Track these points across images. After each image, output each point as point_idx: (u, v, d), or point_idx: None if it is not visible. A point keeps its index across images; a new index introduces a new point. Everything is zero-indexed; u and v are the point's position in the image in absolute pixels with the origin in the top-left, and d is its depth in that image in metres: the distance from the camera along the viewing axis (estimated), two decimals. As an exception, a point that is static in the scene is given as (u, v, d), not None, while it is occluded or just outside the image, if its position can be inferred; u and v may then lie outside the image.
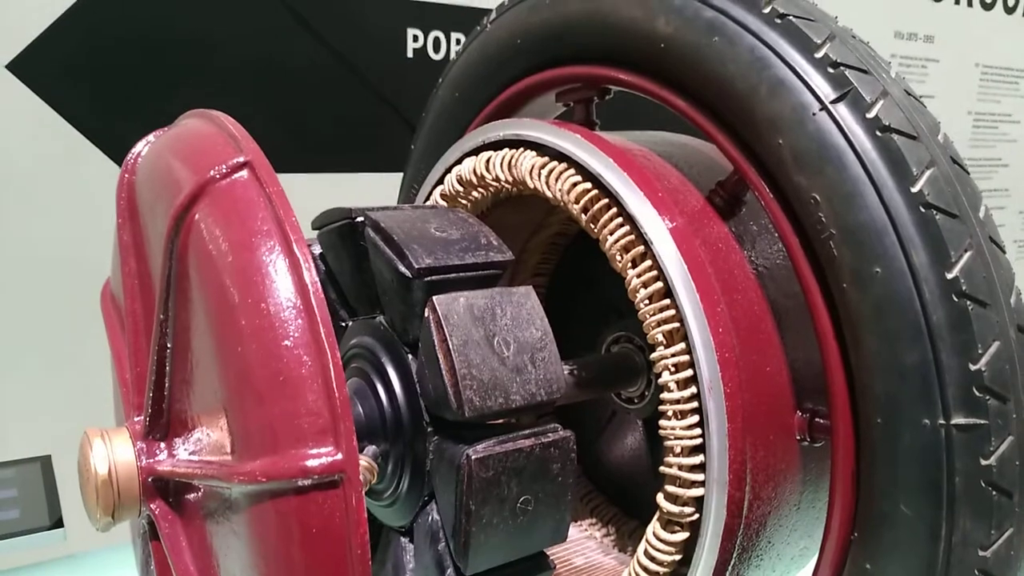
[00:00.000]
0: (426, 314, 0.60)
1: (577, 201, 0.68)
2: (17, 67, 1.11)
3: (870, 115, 0.56)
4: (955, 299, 0.52)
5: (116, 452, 0.58)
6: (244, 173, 0.50)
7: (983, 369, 0.51)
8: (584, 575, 0.84)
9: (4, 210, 1.13)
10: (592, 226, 0.68)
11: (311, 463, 0.43)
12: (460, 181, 0.81)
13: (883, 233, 0.53)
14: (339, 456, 0.44)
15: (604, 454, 0.99)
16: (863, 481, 0.57)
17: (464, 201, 0.81)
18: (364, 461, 0.64)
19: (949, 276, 0.52)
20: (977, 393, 0.51)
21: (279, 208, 0.48)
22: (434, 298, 0.60)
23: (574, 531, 0.93)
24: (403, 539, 0.67)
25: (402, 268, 0.62)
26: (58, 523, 1.30)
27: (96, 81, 1.16)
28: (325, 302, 0.47)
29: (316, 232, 0.73)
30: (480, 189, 0.80)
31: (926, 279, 0.52)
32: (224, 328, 0.47)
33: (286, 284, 0.46)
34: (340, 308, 0.75)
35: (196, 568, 0.56)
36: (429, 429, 0.62)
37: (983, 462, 0.51)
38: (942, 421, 0.52)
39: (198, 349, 0.52)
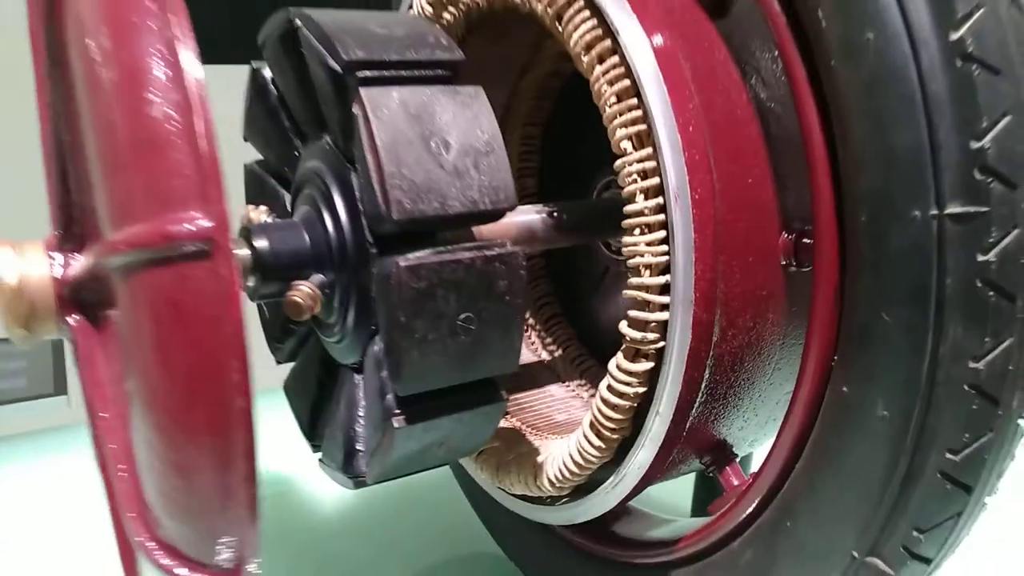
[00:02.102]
0: (354, 111, 0.54)
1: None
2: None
3: None
4: (959, 64, 0.43)
5: (28, 263, 0.53)
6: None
7: (987, 147, 0.43)
8: (562, 429, 0.79)
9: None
10: (557, 25, 0.60)
11: (174, 228, 0.38)
12: (430, 1, 0.73)
13: (877, -8, 0.44)
14: (206, 223, 0.38)
15: (598, 316, 0.93)
16: (846, 295, 0.50)
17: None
18: (306, 287, 0.59)
19: (953, 37, 0.43)
20: (978, 176, 0.43)
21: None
22: (362, 90, 0.53)
23: (560, 390, 0.88)
24: (356, 376, 0.63)
25: (331, 62, 0.55)
26: (62, 391, 1.31)
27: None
28: (197, 56, 0.40)
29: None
30: (451, 7, 0.72)
31: (925, 42, 0.43)
32: (92, 90, 0.42)
33: (152, 35, 0.40)
34: (294, 136, 0.69)
35: (107, 377, 0.52)
36: (373, 251, 0.57)
37: (980, 258, 0.43)
38: (934, 212, 0.44)
39: (85, 130, 0.47)
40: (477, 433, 0.61)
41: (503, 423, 0.82)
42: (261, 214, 0.68)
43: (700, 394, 0.58)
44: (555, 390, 0.88)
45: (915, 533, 0.49)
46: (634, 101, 0.55)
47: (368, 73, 0.55)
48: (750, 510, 0.61)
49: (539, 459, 0.71)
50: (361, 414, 0.62)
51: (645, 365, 0.58)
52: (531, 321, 0.94)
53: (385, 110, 0.53)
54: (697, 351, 0.55)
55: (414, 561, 0.98)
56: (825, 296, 0.51)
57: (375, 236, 0.56)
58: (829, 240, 0.50)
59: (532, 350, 0.93)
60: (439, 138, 0.54)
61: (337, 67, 0.55)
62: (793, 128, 0.54)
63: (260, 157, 0.74)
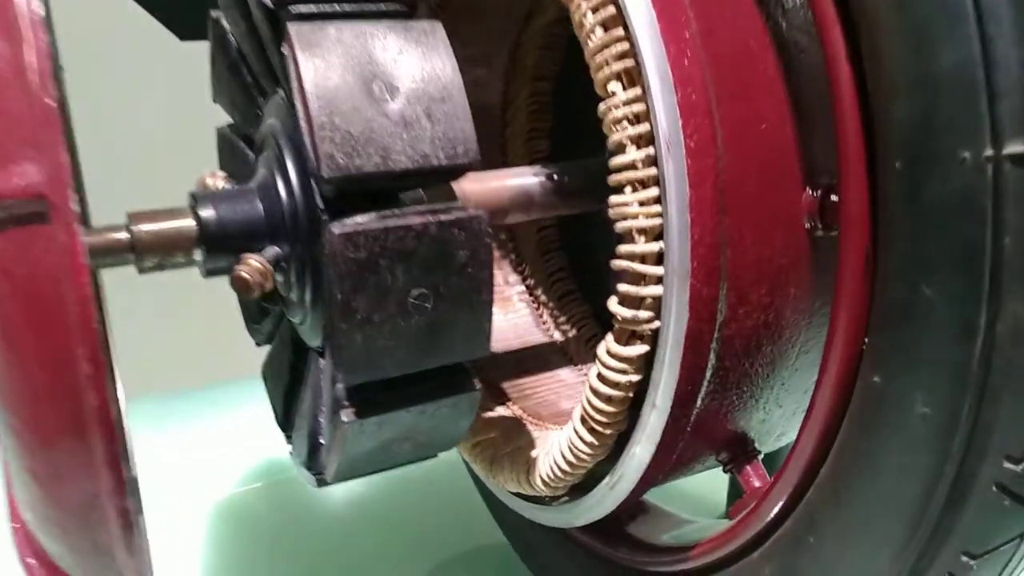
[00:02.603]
0: (283, 50, 0.46)
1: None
2: None
3: None
4: (1022, -46, 0.32)
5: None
6: None
7: (1061, 63, 0.32)
8: (567, 419, 0.70)
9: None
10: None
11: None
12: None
13: None
14: (37, 177, 0.31)
15: (617, 290, 0.83)
16: (879, 262, 0.40)
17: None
18: (255, 261, 0.51)
19: (1015, -81, 0.32)
20: (1049, 102, 0.32)
21: None
22: (289, 25, 0.45)
23: (571, 375, 0.79)
24: (321, 360, 0.55)
25: (264, -3, 0.47)
26: None
27: None
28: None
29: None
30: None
31: (976, -71, 0.33)
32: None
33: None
34: (257, 93, 0.62)
35: None
36: (325, 218, 0.49)
37: (1051, 210, 0.33)
38: (989, 152, 0.33)
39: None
40: (448, 427, 0.53)
41: (503, 411, 0.74)
42: (218, 180, 0.61)
43: (705, 383, 0.49)
44: (566, 375, 0.79)
45: (965, 559, 0.39)
46: (620, 32, 0.45)
47: (303, 8, 0.47)
48: (770, 518, 0.52)
49: (533, 454, 0.62)
50: (323, 404, 0.55)
51: (639, 349, 0.49)
52: (543, 298, 0.85)
53: (317, 48, 0.45)
54: (698, 332, 0.46)
55: (427, 554, 0.91)
56: (853, 264, 0.41)
57: (324, 200, 0.48)
58: (857, 194, 0.40)
59: (543, 330, 0.84)
60: (383, 81, 0.45)
61: (267, 2, 0.47)
62: (820, 60, 0.44)
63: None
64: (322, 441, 0.56)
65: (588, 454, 0.54)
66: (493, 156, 0.84)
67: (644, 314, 0.47)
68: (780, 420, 0.58)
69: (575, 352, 0.81)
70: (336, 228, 0.43)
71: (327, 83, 0.44)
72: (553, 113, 0.85)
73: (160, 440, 1.07)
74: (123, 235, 0.50)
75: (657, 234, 0.46)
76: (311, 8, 0.47)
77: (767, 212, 0.47)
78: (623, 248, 0.48)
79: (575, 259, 0.87)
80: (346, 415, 0.48)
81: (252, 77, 0.60)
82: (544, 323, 0.84)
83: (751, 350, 0.50)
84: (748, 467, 0.57)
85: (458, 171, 0.46)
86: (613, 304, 0.49)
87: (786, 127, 0.47)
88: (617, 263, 0.48)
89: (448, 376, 0.50)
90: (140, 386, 1.24)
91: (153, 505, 0.93)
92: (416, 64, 0.46)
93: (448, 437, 0.54)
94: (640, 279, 0.47)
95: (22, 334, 0.32)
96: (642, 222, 0.46)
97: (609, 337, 0.50)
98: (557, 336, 0.83)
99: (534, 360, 0.80)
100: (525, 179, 0.64)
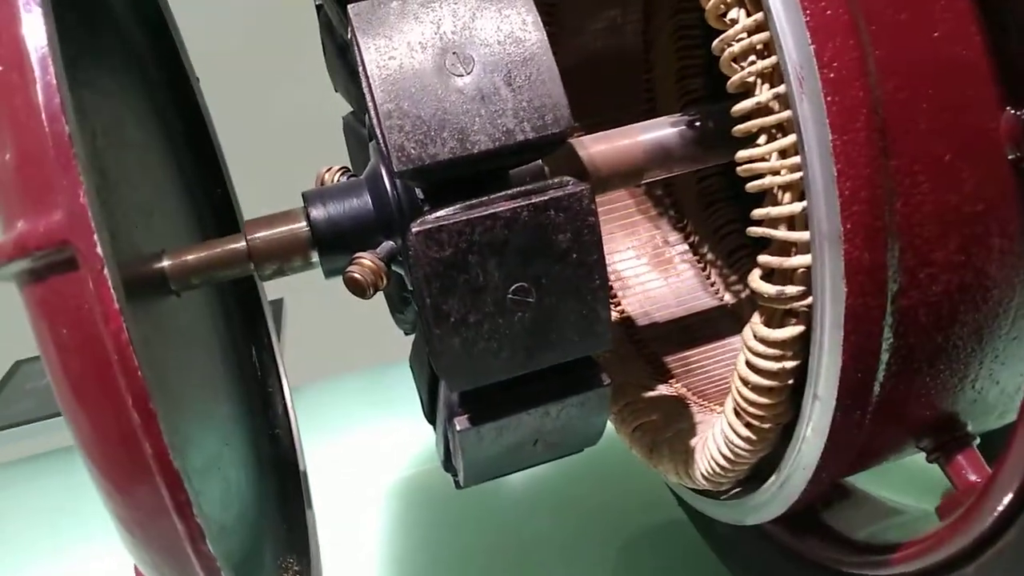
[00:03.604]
0: (349, 31, 0.42)
1: None
2: None
3: None
4: None
5: None
6: None
7: None
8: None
9: None
10: None
11: (25, 232, 0.29)
12: None
13: None
14: (59, 224, 0.29)
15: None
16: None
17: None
18: (367, 260, 0.48)
19: None
20: None
21: None
22: (349, 7, 0.41)
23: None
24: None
25: (328, -24, 0.43)
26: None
27: None
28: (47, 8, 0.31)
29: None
30: None
31: None
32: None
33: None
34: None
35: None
36: (426, 208, 0.44)
37: None
38: None
39: None
40: (580, 426, 0.47)
41: (665, 390, 0.67)
42: (335, 174, 0.59)
43: (882, 366, 0.39)
44: (739, 343, 0.70)
45: None
46: (729, -58, 0.36)
47: (372, -19, 0.42)
48: (989, 523, 0.41)
49: (693, 442, 0.55)
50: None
51: (792, 330, 0.40)
52: (710, 256, 0.76)
53: (380, 27, 0.40)
54: (862, 308, 0.37)
55: (611, 535, 0.87)
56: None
57: (421, 189, 0.44)
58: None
59: (712, 292, 0.75)
60: (455, 52, 0.40)
61: (332, -20, 0.42)
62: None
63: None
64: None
65: (747, 450, 0.46)
66: (637, 105, 0.75)
67: (792, 289, 0.39)
68: (1001, 398, 0.46)
69: (749, 315, 0.72)
70: (415, 227, 0.39)
71: (392, 64, 0.39)
72: (705, 47, 0.75)
73: (335, 422, 1.10)
74: (240, 245, 0.49)
75: (800, 192, 0.37)
76: (376, -21, 0.42)
77: (950, 145, 0.36)
78: (759, 212, 0.39)
79: (745, 208, 0.77)
80: (460, 423, 0.44)
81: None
82: (712, 284, 0.76)
83: (943, 321, 0.39)
84: (959, 456, 0.46)
85: (549, 143, 0.40)
86: (755, 279, 0.41)
87: (968, 30, 0.35)
88: (755, 229, 0.40)
89: (571, 371, 0.44)
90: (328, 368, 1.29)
91: (332, 487, 0.95)
92: (491, 25, 0.40)
93: (584, 436, 0.49)
94: (786, 248, 0.39)
95: (73, 384, 0.31)
96: (783, 178, 0.37)
97: (756, 317, 0.42)
98: (728, 298, 0.74)
99: (701, 328, 0.72)
100: (660, 131, 0.56)
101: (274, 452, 0.68)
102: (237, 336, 0.71)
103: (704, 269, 0.76)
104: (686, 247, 0.77)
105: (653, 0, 0.73)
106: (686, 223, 0.78)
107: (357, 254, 0.48)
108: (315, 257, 0.49)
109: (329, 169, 0.59)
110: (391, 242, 0.49)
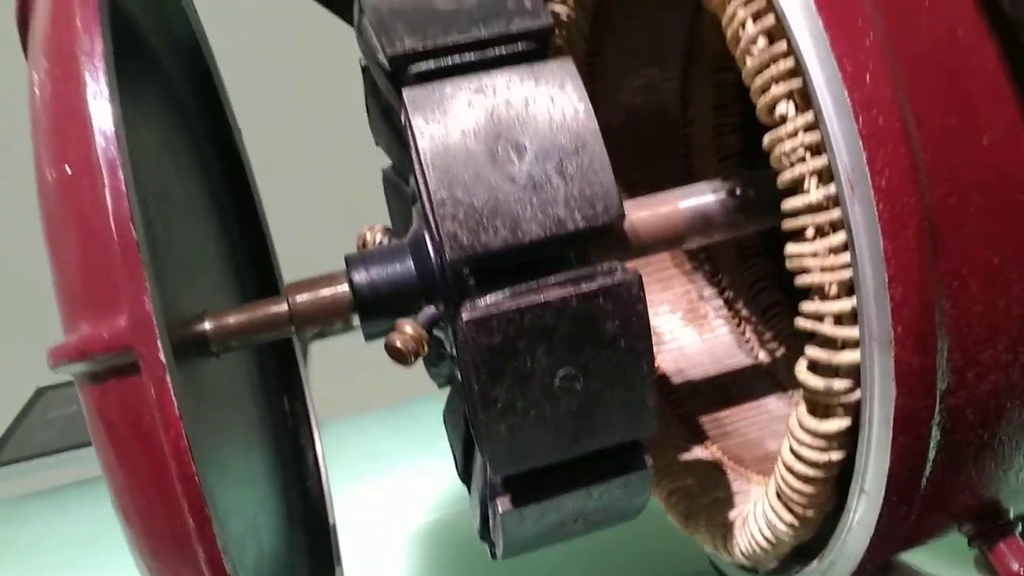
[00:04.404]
0: (403, 119, 0.42)
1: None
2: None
3: None
4: None
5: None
6: None
7: None
8: (770, 465, 0.62)
9: None
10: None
11: (87, 337, 0.30)
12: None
13: None
14: (120, 326, 0.29)
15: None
16: None
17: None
18: (409, 328, 0.49)
19: None
20: None
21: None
22: (404, 91, 0.41)
23: (780, 404, 0.70)
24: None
25: (381, 58, 0.44)
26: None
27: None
28: (116, 110, 0.32)
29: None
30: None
31: None
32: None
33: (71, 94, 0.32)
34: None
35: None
36: (471, 283, 0.45)
37: None
38: None
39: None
40: (621, 505, 0.47)
41: (700, 452, 0.67)
42: (377, 233, 0.59)
43: (929, 464, 0.39)
44: (773, 404, 0.70)
45: None
46: (783, 46, 0.37)
47: (423, 67, 0.43)
48: (1037, 619, 0.41)
49: (731, 515, 0.55)
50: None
51: (838, 423, 0.40)
52: (744, 312, 0.76)
53: (434, 113, 0.41)
54: (911, 409, 0.37)
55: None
56: None
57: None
58: None
59: (746, 350, 0.75)
60: (508, 140, 0.40)
61: (386, 64, 0.43)
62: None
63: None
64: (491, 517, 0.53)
65: (789, 535, 0.46)
66: (674, 161, 0.76)
67: (840, 384, 0.39)
68: (1044, 484, 0.46)
69: (784, 375, 0.72)
70: (465, 313, 0.39)
71: (446, 151, 0.40)
72: (740, 103, 0.75)
73: (361, 460, 1.10)
74: (282, 308, 0.50)
75: (846, 289, 0.37)
76: (430, 65, 0.43)
77: (998, 251, 0.36)
78: (808, 307, 0.39)
79: (782, 263, 0.77)
80: (503, 504, 0.44)
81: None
82: (747, 341, 0.75)
83: (990, 418, 0.39)
84: (1001, 544, 0.46)
85: (598, 232, 0.40)
86: (802, 370, 0.41)
87: (1017, 137, 0.36)
88: (802, 322, 0.40)
89: (615, 453, 0.45)
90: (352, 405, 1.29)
91: (358, 528, 0.95)
92: (543, 114, 0.41)
93: (623, 513, 0.49)
94: (832, 343, 0.39)
95: (130, 485, 0.32)
96: (827, 276, 0.38)
97: (801, 407, 0.42)
98: (763, 357, 0.74)
99: (736, 387, 0.72)
100: (701, 198, 0.56)
101: (304, 506, 0.69)
102: (271, 386, 0.71)
103: (739, 325, 0.76)
104: (721, 302, 0.77)
105: (691, 59, 0.73)
106: (721, 277, 0.78)
107: (399, 320, 0.49)
108: (356, 321, 0.50)
109: (371, 228, 0.60)
110: (432, 307, 0.49)
